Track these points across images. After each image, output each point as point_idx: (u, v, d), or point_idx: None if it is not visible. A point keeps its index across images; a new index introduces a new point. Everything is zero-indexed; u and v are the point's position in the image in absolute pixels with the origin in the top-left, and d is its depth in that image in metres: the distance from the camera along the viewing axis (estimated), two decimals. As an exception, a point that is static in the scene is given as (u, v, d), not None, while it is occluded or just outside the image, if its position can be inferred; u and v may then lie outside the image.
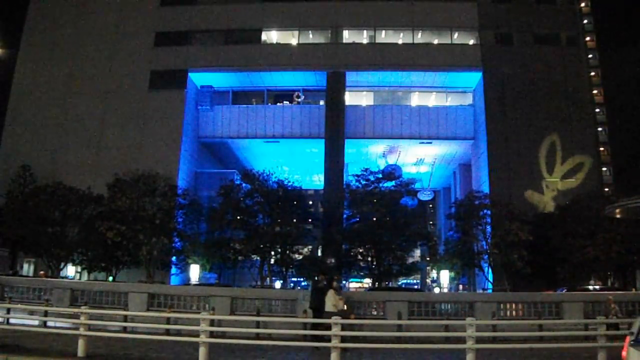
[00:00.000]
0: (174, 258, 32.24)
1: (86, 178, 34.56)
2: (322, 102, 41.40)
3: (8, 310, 13.79)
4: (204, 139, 41.92)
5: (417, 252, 42.19)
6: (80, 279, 33.32)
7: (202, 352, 10.54)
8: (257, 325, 15.02)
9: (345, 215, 33.11)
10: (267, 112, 41.64)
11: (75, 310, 12.75)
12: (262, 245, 30.07)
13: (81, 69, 40.82)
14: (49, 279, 22.96)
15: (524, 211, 30.41)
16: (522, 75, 38.37)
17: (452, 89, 42.35)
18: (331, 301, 13.85)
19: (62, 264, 31.98)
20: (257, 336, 14.08)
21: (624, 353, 7.12)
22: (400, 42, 41.62)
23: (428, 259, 40.79)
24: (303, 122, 40.83)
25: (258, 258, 30.92)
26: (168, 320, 15.23)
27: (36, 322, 15.21)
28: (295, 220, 31.46)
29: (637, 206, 16.56)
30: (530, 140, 37.23)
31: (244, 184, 32.33)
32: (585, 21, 41.42)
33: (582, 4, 41.81)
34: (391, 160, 42.78)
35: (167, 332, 14.62)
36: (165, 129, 38.54)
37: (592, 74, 40.25)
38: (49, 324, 14.74)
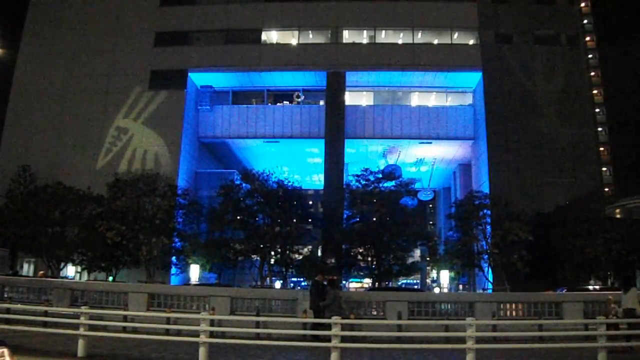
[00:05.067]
0: (174, 258, 32.22)
1: (86, 178, 34.62)
2: (322, 102, 41.39)
3: (8, 310, 13.77)
4: (204, 139, 41.93)
5: (417, 252, 42.12)
6: (80, 279, 33.30)
7: (202, 352, 10.55)
8: (257, 325, 15.01)
9: (345, 215, 33.08)
10: (267, 112, 41.65)
11: (75, 310, 12.75)
12: (262, 245, 30.06)
13: (81, 69, 40.79)
14: (49, 279, 22.92)
15: (524, 211, 30.39)
16: (522, 75, 38.37)
17: (452, 89, 42.32)
18: (631, 300, 13.00)
19: (62, 264, 32.01)
20: (257, 336, 14.08)
21: None
22: (400, 42, 41.60)
23: (428, 259, 40.71)
24: (303, 122, 40.83)
25: (258, 258, 30.89)
26: (168, 320, 15.23)
27: (36, 322, 15.19)
28: (295, 220, 31.42)
29: (637, 206, 16.60)
30: (530, 140, 37.25)
31: (244, 184, 32.31)
32: (585, 21, 41.43)
33: (582, 4, 41.86)
34: (391, 160, 42.78)
35: (167, 332, 14.64)
36: (165, 129, 38.59)
37: (592, 74, 40.25)
38: (49, 324, 14.72)
